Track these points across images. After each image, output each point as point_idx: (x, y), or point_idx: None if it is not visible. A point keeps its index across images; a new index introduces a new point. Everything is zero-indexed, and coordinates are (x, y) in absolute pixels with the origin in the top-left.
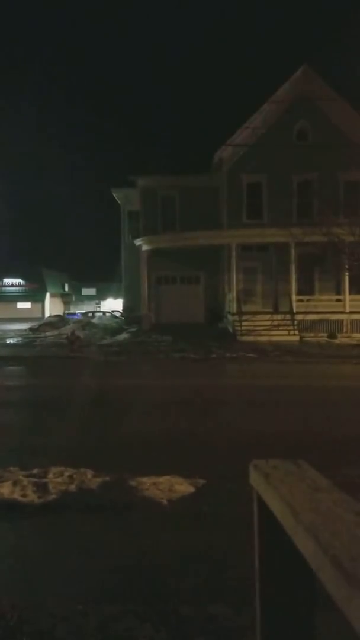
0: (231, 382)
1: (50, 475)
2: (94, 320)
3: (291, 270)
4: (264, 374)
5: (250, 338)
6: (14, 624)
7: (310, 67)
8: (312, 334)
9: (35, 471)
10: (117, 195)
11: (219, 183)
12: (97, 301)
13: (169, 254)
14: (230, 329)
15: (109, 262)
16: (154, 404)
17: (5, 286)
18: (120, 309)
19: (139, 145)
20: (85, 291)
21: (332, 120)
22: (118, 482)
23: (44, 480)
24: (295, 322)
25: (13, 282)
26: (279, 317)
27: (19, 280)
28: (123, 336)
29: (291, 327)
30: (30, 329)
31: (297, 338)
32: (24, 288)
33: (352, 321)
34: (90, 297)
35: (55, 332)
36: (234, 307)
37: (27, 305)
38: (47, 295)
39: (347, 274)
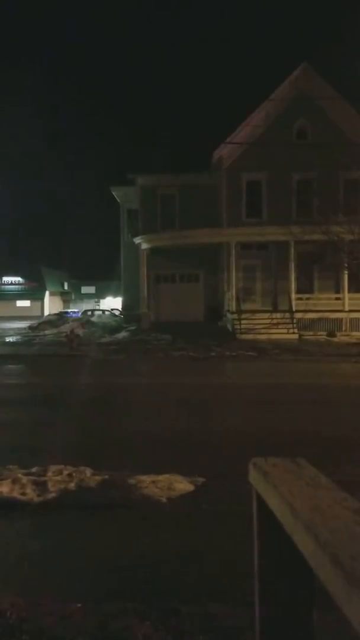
0: (230, 381)
1: (50, 474)
2: (93, 319)
3: (290, 269)
4: (263, 372)
5: (250, 336)
6: (13, 622)
7: (310, 65)
8: (311, 333)
9: (34, 469)
10: (116, 193)
11: (219, 181)
12: (96, 299)
13: (169, 252)
14: (230, 328)
15: (109, 261)
16: (153, 403)
17: (4, 284)
18: (120, 307)
19: (139, 144)
20: (85, 289)
21: (331, 119)
22: (117, 481)
23: (43, 478)
24: (295, 321)
25: (12, 280)
26: (279, 315)
27: (18, 279)
28: (122, 334)
29: (290, 326)
30: (30, 328)
31: (296, 336)
32: (23, 286)
33: (351, 319)
34: (89, 296)
35: (55, 331)
36: (233, 306)
37: (26, 303)
38: (47, 293)
39: (346, 272)
